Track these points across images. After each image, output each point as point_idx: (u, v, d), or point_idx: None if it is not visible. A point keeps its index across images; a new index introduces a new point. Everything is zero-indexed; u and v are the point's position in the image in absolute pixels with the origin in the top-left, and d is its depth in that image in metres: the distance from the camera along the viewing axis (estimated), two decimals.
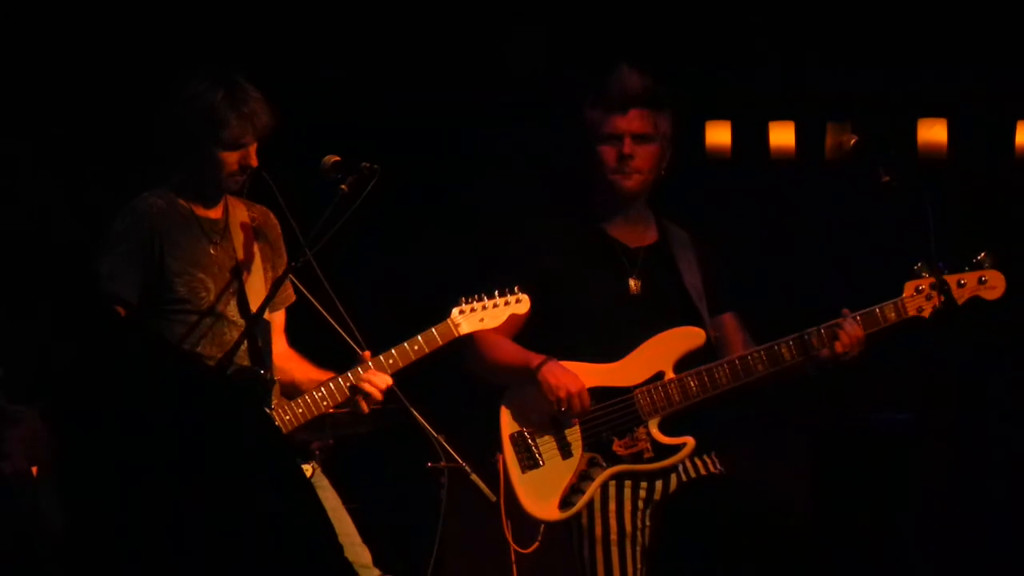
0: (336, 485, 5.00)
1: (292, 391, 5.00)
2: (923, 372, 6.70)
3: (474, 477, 5.10)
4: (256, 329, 4.90)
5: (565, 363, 5.00)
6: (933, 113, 6.81)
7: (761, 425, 6.26)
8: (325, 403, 4.90)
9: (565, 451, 5.00)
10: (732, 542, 3.33)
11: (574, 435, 5.01)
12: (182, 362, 4.25)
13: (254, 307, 4.90)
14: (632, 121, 5.06)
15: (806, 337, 5.00)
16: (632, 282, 5.10)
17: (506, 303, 5.02)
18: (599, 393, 5.00)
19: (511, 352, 5.06)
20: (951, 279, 5.05)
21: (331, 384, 4.90)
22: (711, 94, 6.77)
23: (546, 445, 5.00)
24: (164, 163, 4.94)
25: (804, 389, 5.27)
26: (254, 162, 4.84)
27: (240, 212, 5.02)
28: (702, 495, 3.57)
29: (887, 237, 6.40)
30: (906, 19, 6.75)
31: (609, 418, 5.00)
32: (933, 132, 6.79)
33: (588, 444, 4.99)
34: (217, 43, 6.47)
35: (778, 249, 6.81)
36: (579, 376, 4.97)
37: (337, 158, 4.87)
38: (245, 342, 4.88)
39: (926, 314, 5.08)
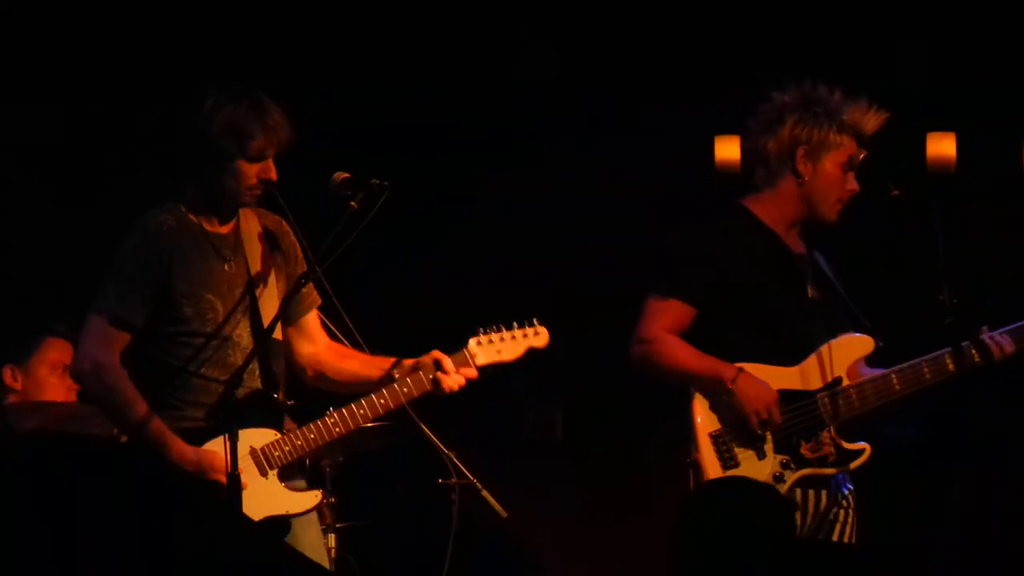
0: (347, 502, 4.98)
1: (356, 383, 4.89)
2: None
3: (485, 493, 5.09)
4: (268, 349, 4.77)
5: (749, 366, 5.02)
6: (942, 127, 6.81)
7: None
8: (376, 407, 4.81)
9: (759, 452, 5.04)
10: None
11: (766, 436, 5.04)
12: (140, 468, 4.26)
13: (267, 324, 4.77)
14: None
15: (964, 350, 5.06)
16: (810, 289, 5.14)
17: (524, 335, 4.93)
18: (783, 396, 5.05)
19: (698, 359, 5.04)
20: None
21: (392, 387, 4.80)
22: (720, 109, 6.76)
23: (742, 445, 5.03)
24: (176, 177, 4.86)
25: None
26: (274, 175, 4.77)
27: (252, 223, 4.92)
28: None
29: (896, 251, 6.39)
30: (915, 33, 6.75)
31: (796, 421, 5.05)
32: (942, 146, 6.78)
33: (779, 446, 5.04)
34: (226, 56, 6.48)
35: None
36: (767, 381, 5.01)
37: (347, 174, 4.79)
38: (256, 364, 4.76)
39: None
